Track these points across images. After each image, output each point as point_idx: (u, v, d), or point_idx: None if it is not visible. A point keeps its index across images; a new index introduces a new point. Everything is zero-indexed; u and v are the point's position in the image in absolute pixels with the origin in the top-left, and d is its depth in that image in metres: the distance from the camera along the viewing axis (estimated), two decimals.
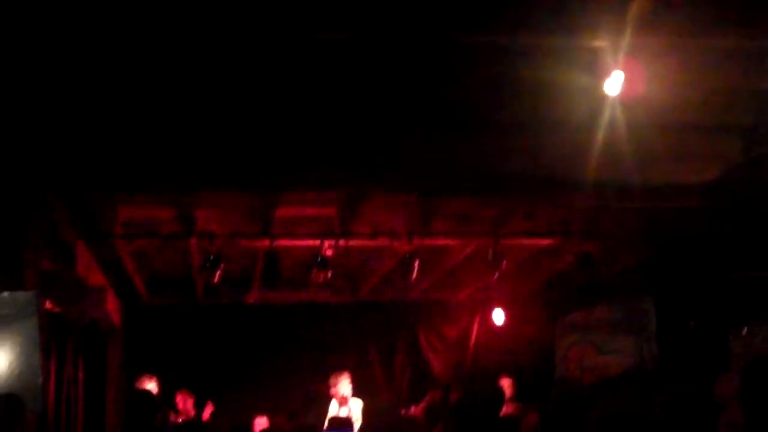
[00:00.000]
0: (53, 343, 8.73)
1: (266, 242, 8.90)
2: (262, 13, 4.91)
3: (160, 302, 12.28)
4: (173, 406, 10.46)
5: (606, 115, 5.63)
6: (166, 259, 10.16)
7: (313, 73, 5.65)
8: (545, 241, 9.71)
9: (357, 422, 9.30)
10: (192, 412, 10.45)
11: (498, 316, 13.38)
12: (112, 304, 10.83)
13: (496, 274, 9.67)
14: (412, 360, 13.77)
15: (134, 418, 6.08)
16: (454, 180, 7.13)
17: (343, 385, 9.65)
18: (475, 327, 13.93)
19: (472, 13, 4.96)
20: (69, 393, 9.93)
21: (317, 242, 8.96)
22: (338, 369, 11.21)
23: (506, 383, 10.60)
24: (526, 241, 9.65)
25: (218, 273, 9.06)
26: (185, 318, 12.30)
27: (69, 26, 4.89)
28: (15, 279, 5.98)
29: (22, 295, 5.44)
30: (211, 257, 8.91)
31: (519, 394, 10.62)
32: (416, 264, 9.34)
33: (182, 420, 10.39)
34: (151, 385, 10.06)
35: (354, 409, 9.66)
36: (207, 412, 10.72)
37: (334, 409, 9.64)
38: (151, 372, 10.40)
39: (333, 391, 9.70)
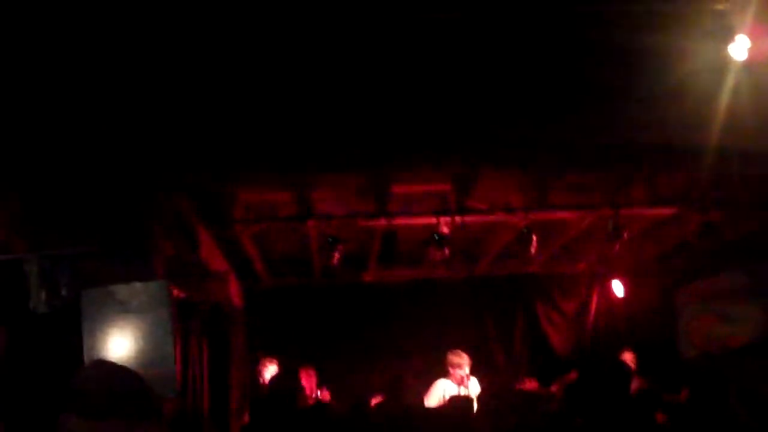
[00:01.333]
0: (180, 327, 8.95)
1: (383, 221, 8.92)
2: None
3: (279, 284, 12.47)
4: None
5: (730, 81, 5.42)
6: (285, 242, 10.29)
7: (427, 52, 5.61)
8: (666, 211, 9.47)
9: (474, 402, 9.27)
10: (315, 391, 10.57)
11: (618, 288, 13.16)
12: (233, 287, 11.06)
13: (617, 246, 9.50)
14: (530, 335, 13.67)
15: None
16: (570, 154, 7.00)
17: (462, 364, 9.59)
18: (594, 300, 13.75)
19: None
20: (195, 375, 10.17)
21: (433, 220, 8.94)
22: (456, 346, 11.26)
23: (628, 358, 10.43)
24: (647, 211, 9.42)
25: (336, 254, 9.14)
26: (304, 298, 12.47)
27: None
28: (146, 268, 6.12)
29: (153, 285, 5.56)
30: (330, 238, 9.00)
31: (641, 367, 10.39)
32: (534, 238, 9.23)
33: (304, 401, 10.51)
34: (273, 368, 10.24)
35: (473, 389, 9.61)
36: (326, 395, 10.83)
37: (448, 389, 9.55)
38: (272, 354, 10.57)
39: (451, 369, 9.65)
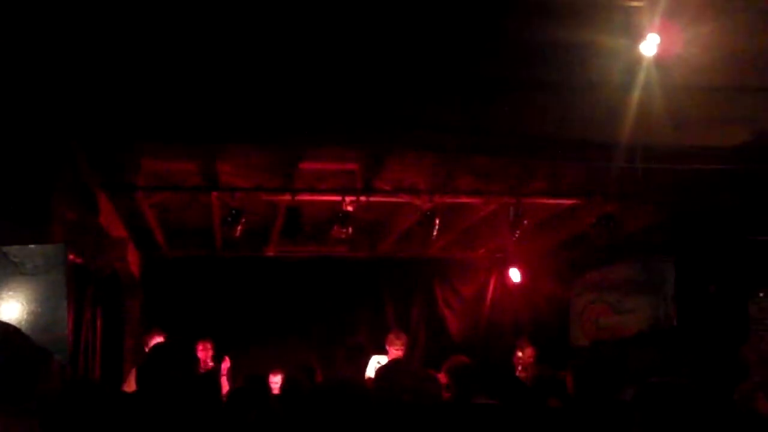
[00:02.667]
0: (73, 293, 8.76)
1: (288, 196, 8.88)
2: None
3: (179, 254, 12.31)
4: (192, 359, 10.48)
5: (640, 77, 5.55)
6: (188, 212, 10.16)
7: (340, 27, 5.59)
8: (567, 202, 9.67)
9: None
10: (210, 364, 10.48)
11: (515, 275, 13.39)
12: (132, 256, 10.88)
13: (517, 233, 9.65)
14: (427, 317, 13.80)
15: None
16: (479, 139, 7.06)
17: (400, 345, 9.58)
18: (492, 285, 13.96)
19: None
20: (87, 342, 10.01)
21: (339, 198, 8.94)
22: (354, 326, 11.34)
23: (528, 353, 10.56)
24: (548, 201, 9.60)
25: (239, 227, 9.07)
26: (204, 270, 12.34)
27: None
28: (43, 231, 5.98)
29: (50, 248, 5.41)
30: (233, 211, 8.92)
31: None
32: (437, 221, 9.31)
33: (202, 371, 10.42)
34: (159, 338, 10.11)
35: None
36: (225, 366, 10.75)
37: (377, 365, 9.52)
38: (163, 326, 10.44)
39: (389, 348, 9.65)
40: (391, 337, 9.58)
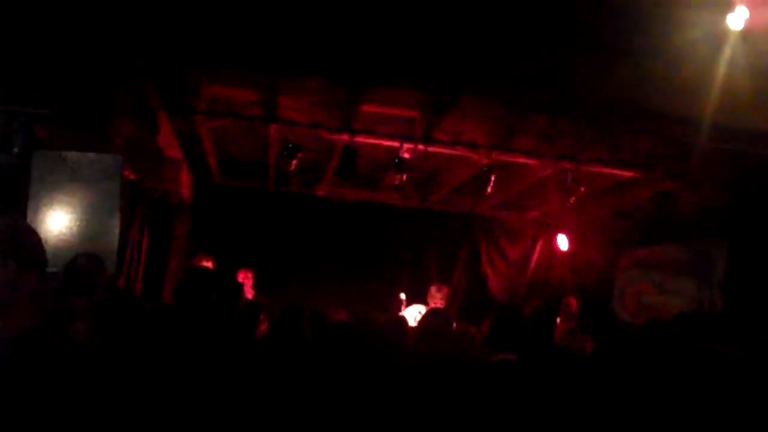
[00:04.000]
0: (125, 207, 8.86)
1: (346, 136, 8.84)
2: None
3: (231, 183, 12.36)
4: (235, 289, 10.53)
5: (725, 52, 5.39)
6: (244, 142, 10.16)
7: None
8: (626, 173, 9.51)
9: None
10: (251, 293, 10.55)
11: (563, 242, 13.27)
12: (184, 179, 10.94)
13: (571, 200, 9.54)
14: (470, 274, 13.77)
15: (190, 292, 6.08)
16: (548, 97, 6.95)
17: (440, 297, 9.61)
18: (538, 249, 13.87)
19: None
20: (132, 259, 10.10)
21: (396, 143, 8.88)
22: (396, 275, 11.35)
23: (572, 303, 10.53)
24: (607, 171, 9.46)
25: (294, 162, 9.06)
26: (254, 202, 12.37)
27: None
28: (102, 141, 6.01)
29: (107, 158, 5.47)
30: (290, 145, 8.90)
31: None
32: (492, 178, 9.23)
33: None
34: (207, 264, 10.17)
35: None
36: (262, 300, 10.80)
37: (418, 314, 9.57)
38: (210, 251, 10.51)
39: (430, 300, 9.68)
40: (433, 289, 9.57)
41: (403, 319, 7.67)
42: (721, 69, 5.53)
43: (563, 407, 3.92)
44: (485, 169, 9.20)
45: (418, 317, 9.24)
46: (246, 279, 10.53)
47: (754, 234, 9.86)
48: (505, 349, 4.66)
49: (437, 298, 9.39)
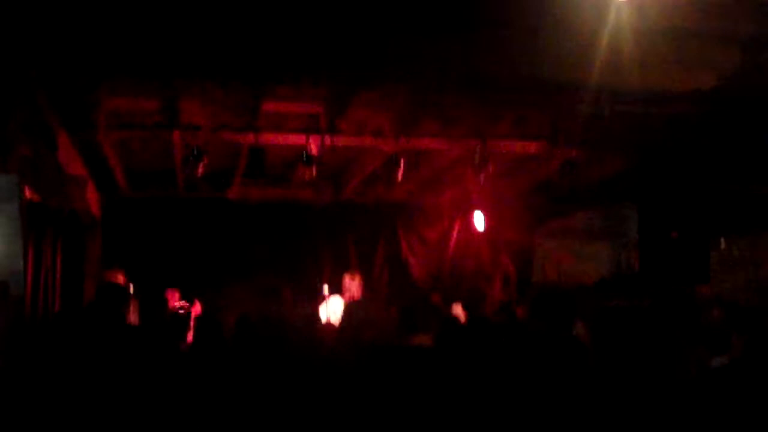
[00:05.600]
0: (33, 231, 8.63)
1: (251, 137, 8.76)
2: None
3: (140, 195, 12.17)
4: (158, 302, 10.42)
5: (610, 18, 5.48)
6: (149, 152, 10.00)
7: None
8: (533, 146, 9.62)
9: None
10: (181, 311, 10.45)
11: (479, 220, 13.40)
12: (92, 195, 10.73)
13: (482, 178, 9.62)
14: (391, 261, 13.81)
15: (102, 308, 5.99)
16: (446, 79, 6.99)
17: (355, 286, 9.56)
18: (456, 230, 13.97)
19: None
20: (47, 282, 9.87)
21: (303, 139, 8.84)
22: (317, 269, 11.33)
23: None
24: (514, 146, 9.56)
25: (201, 166, 8.94)
26: (165, 211, 12.22)
27: None
28: None
29: (3, 179, 5.30)
30: (195, 150, 8.79)
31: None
32: (402, 165, 9.26)
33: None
34: (118, 279, 10.02)
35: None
36: (197, 308, 10.71)
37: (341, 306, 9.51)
38: (124, 265, 10.35)
39: (346, 291, 9.63)
40: (347, 279, 9.56)
41: (315, 315, 7.64)
42: (609, 34, 5.63)
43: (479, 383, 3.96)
44: (394, 156, 9.21)
45: (336, 309, 9.27)
46: (173, 299, 10.45)
47: (660, 193, 10.11)
48: (418, 331, 4.69)
49: (352, 288, 9.39)
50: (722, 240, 11.12)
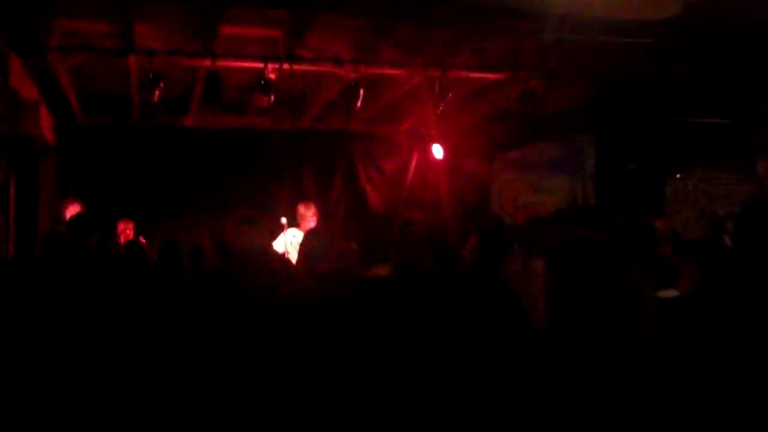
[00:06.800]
0: None
1: (208, 61, 8.62)
2: None
3: (95, 122, 11.98)
4: (111, 233, 10.28)
5: None
6: (103, 77, 9.80)
7: None
8: (492, 76, 9.59)
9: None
10: (132, 237, 10.34)
11: (437, 151, 13.40)
12: (45, 121, 10.54)
13: (441, 107, 9.59)
14: (349, 191, 13.81)
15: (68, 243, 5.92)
16: (406, 3, 6.91)
17: (309, 216, 9.51)
18: (414, 161, 14.00)
19: None
20: (1, 208, 9.73)
21: (261, 65, 8.72)
22: (275, 199, 11.28)
23: None
24: (473, 75, 9.52)
25: (157, 92, 8.79)
26: (120, 139, 12.05)
27: None
28: None
29: None
30: (151, 75, 8.63)
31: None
32: (360, 92, 9.18)
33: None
34: (76, 208, 9.90)
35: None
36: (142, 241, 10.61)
37: (297, 237, 9.42)
38: (79, 194, 10.23)
39: (300, 220, 9.59)
40: (301, 209, 9.54)
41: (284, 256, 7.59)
42: None
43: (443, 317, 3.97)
44: (353, 83, 9.13)
45: (293, 240, 9.23)
46: (126, 229, 10.34)
47: (618, 126, 10.15)
48: (377, 261, 4.69)
49: (307, 217, 9.36)
50: (678, 174, 11.23)
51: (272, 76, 8.82)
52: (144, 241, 10.40)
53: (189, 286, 6.23)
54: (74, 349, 4.34)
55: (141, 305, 5.39)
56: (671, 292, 4.08)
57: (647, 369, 2.58)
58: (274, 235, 9.67)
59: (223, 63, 8.66)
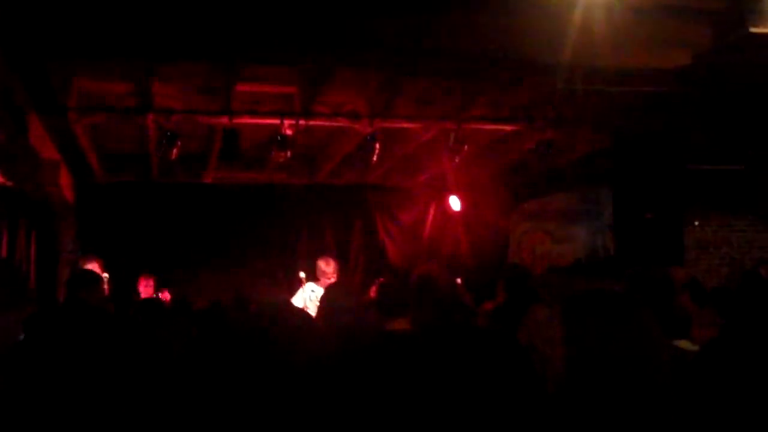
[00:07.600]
0: (5, 217, 8.57)
1: (225, 119, 8.71)
2: None
3: (114, 180, 12.08)
4: (132, 290, 10.28)
5: None
6: (122, 135, 9.94)
7: None
8: (508, 127, 9.64)
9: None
10: (152, 294, 10.34)
11: (454, 203, 13.43)
12: (65, 180, 10.64)
13: (457, 159, 9.64)
14: (367, 244, 13.82)
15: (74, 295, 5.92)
16: (421, 59, 6.98)
17: (329, 272, 9.43)
18: (432, 212, 14.03)
19: None
20: (21, 268, 9.81)
21: (277, 121, 8.80)
22: (293, 253, 11.28)
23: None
24: (489, 127, 9.57)
25: (175, 150, 8.87)
26: (140, 197, 12.13)
27: None
28: None
29: None
30: (168, 134, 8.72)
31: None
32: (377, 146, 9.23)
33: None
34: (93, 267, 9.94)
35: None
36: (166, 296, 10.61)
37: (316, 292, 9.36)
38: (98, 252, 10.28)
39: (320, 276, 9.53)
40: (321, 264, 9.45)
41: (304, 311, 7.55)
42: (582, 12, 5.63)
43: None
44: (369, 138, 9.19)
45: (311, 296, 9.18)
46: (147, 286, 10.33)
47: (634, 174, 10.14)
48: (396, 316, 4.68)
49: (328, 273, 9.30)
50: (696, 221, 11.21)
51: (289, 131, 8.90)
52: (168, 296, 10.43)
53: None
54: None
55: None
56: (685, 344, 4.06)
57: (663, 419, 2.56)
58: (293, 290, 9.66)
59: (240, 120, 8.75)
